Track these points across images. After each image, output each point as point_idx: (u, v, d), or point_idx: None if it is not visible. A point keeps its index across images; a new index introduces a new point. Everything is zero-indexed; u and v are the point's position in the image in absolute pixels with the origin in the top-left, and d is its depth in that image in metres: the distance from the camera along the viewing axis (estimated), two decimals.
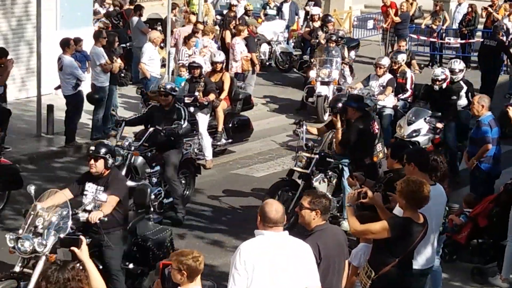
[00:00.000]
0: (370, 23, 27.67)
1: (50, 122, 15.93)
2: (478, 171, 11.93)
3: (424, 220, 7.51)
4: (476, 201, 11.04)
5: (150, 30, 19.68)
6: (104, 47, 16.15)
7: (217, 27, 22.25)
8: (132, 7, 21.76)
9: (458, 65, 15.35)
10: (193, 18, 20.34)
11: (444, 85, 14.54)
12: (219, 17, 24.19)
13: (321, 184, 11.79)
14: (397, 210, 7.85)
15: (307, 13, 25.85)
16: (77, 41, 15.84)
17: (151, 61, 17.09)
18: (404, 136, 13.92)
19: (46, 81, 16.24)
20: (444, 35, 25.09)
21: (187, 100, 14.42)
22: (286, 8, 25.02)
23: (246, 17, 22.54)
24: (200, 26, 18.74)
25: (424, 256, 8.11)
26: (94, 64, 15.87)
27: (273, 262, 6.38)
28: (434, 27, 24.73)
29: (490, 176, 11.95)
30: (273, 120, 18.47)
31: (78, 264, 5.56)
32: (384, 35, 25.58)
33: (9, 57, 14.90)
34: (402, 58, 16.62)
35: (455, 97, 14.48)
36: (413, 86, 16.28)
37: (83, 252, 5.84)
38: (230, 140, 15.59)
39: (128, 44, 20.32)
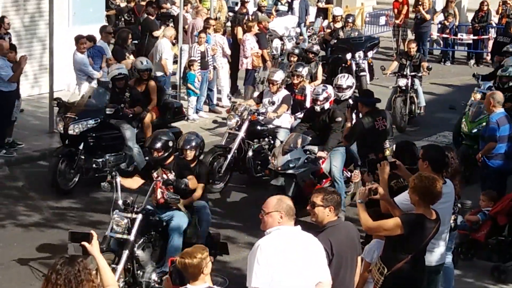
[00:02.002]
0: (382, 20, 27.65)
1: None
2: (486, 168, 11.92)
3: (436, 216, 7.51)
4: (497, 198, 11.00)
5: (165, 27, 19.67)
6: (117, 43, 16.18)
7: (228, 24, 22.23)
8: (143, 3, 21.77)
9: (346, 80, 13.23)
10: (200, 10, 20.26)
11: (327, 105, 12.47)
12: (231, 14, 24.17)
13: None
14: (398, 200, 7.85)
15: (319, 9, 25.86)
16: (90, 38, 15.89)
17: (170, 57, 17.15)
18: (278, 168, 11.94)
19: (58, 77, 16.29)
20: (456, 31, 25.01)
21: (108, 111, 13.29)
22: (296, 4, 25.01)
23: (260, 13, 22.52)
24: (212, 22, 18.74)
25: (436, 253, 8.11)
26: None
27: (289, 257, 6.39)
28: (447, 23, 24.65)
29: (501, 173, 11.91)
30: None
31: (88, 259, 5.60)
32: (394, 31, 25.54)
33: (22, 54, 14.96)
34: (305, 71, 14.96)
35: (340, 119, 12.28)
36: None
37: (94, 247, 5.86)
38: None
39: (139, 40, 20.31)
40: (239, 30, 19.67)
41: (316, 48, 17.98)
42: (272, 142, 13.87)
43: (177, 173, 9.88)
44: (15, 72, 14.44)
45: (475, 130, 13.89)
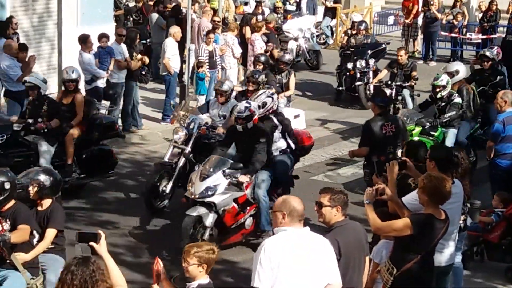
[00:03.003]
0: (391, 19, 27.61)
1: None
2: (494, 168, 11.90)
3: (445, 216, 7.48)
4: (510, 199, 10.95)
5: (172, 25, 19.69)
6: (125, 43, 16.19)
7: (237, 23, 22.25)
8: (151, 3, 21.81)
9: (262, 97, 11.91)
10: (206, 9, 20.27)
11: (251, 125, 11.17)
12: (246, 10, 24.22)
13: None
14: (406, 200, 7.84)
15: (327, 9, 25.83)
16: (100, 37, 15.89)
17: (173, 56, 17.13)
18: (196, 196, 10.68)
19: None
20: (465, 30, 24.96)
21: (15, 127, 12.19)
22: (304, 4, 24.99)
23: (274, 14, 22.55)
24: (217, 19, 18.74)
25: (445, 253, 8.10)
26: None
27: (296, 259, 6.35)
28: (455, 22, 24.61)
29: (510, 173, 11.88)
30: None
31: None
32: (404, 31, 25.50)
33: (31, 54, 15.00)
34: (261, 78, 13.86)
35: (264, 140, 11.14)
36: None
37: (102, 247, 5.86)
38: (83, 175, 12.88)
39: (148, 40, 20.36)
40: (247, 30, 19.68)
41: (288, 57, 16.98)
42: None
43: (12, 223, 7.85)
44: (24, 72, 14.48)
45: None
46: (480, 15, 25.35)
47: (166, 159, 12.50)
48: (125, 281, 5.93)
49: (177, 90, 17.74)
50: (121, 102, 16.19)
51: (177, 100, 17.94)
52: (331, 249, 6.60)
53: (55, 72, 16.49)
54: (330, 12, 25.76)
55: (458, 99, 13.84)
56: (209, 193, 10.66)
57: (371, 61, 19.07)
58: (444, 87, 13.80)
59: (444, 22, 24.94)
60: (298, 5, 25.24)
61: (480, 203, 11.29)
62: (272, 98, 11.87)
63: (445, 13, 25.27)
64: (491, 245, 10.75)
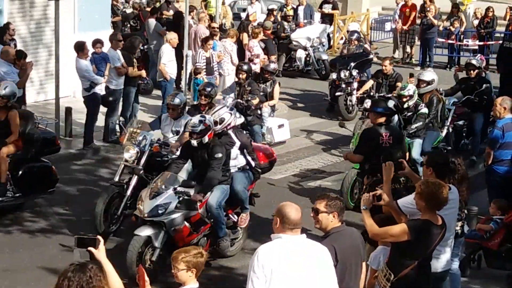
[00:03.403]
0: (388, 25, 27.65)
1: (68, 124, 16.00)
2: (491, 174, 11.91)
3: (442, 222, 7.49)
4: (508, 206, 10.92)
5: (167, 32, 19.74)
6: (127, 50, 16.20)
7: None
8: (149, 9, 21.84)
9: (221, 112, 11.20)
10: (203, 16, 20.27)
11: (206, 139, 10.57)
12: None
13: None
14: (401, 203, 7.85)
15: (324, 15, 25.84)
16: (95, 42, 15.88)
17: (170, 62, 17.13)
18: (145, 215, 10.11)
19: (64, 83, 16.32)
20: (462, 37, 25.01)
21: None
22: (301, 10, 25.02)
23: (285, 23, 22.51)
24: (214, 25, 18.76)
25: (442, 259, 8.11)
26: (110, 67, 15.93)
27: (292, 266, 6.35)
28: (452, 29, 24.65)
29: (507, 179, 11.88)
30: (291, 122, 18.47)
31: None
32: (401, 37, 25.53)
33: (28, 60, 15.00)
34: (214, 91, 13.31)
35: (220, 155, 10.59)
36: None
37: (100, 252, 5.86)
38: (18, 194, 12.11)
39: (145, 46, 20.37)
40: (244, 36, 19.71)
41: (273, 66, 16.61)
42: None
43: None
44: (21, 78, 14.48)
45: None
46: (477, 21, 25.40)
47: (116, 179, 11.67)
48: (123, 286, 5.92)
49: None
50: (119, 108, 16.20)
51: None
52: (328, 256, 6.59)
53: (52, 78, 16.49)
54: (328, 19, 25.79)
55: (424, 109, 13.56)
56: (159, 211, 10.08)
57: (354, 72, 18.48)
58: (411, 97, 13.45)
59: (441, 28, 25.01)
60: (295, 11, 25.25)
61: (478, 209, 11.29)
62: (231, 113, 11.34)
63: (441, 19, 25.33)
64: (491, 253, 10.71)
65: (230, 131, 11.26)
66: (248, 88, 15.24)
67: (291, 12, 23.46)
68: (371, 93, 16.62)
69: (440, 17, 25.21)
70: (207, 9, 23.52)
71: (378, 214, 7.95)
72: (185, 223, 10.32)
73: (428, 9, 24.20)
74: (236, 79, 15.87)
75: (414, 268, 7.40)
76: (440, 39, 24.88)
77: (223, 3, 24.27)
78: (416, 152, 13.36)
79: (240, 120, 14.27)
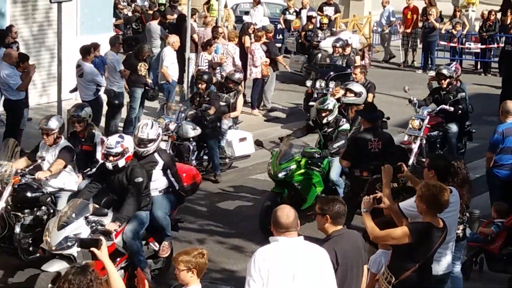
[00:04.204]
0: (390, 29, 27.60)
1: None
2: (492, 177, 11.91)
3: (443, 225, 7.50)
4: (509, 211, 10.91)
5: (169, 35, 19.76)
6: (134, 54, 16.22)
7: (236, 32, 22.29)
8: (151, 12, 21.87)
9: (150, 131, 10.09)
10: (209, 20, 20.30)
11: (122, 163, 9.57)
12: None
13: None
14: (402, 206, 7.86)
15: (309, 18, 25.79)
16: (96, 47, 15.90)
17: (172, 65, 17.15)
18: (53, 248, 9.06)
19: (66, 86, 16.30)
20: (464, 40, 25.03)
21: None
22: (304, 14, 25.03)
23: (319, 31, 22.12)
24: (220, 31, 18.79)
25: (442, 262, 8.12)
26: (113, 70, 15.93)
27: (288, 268, 6.39)
28: (454, 32, 24.67)
29: (508, 183, 11.88)
30: (291, 125, 18.47)
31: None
32: (403, 40, 25.57)
33: (30, 63, 15.02)
34: (84, 112, 11.58)
35: (140, 180, 9.57)
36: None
37: (103, 253, 5.88)
38: None
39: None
40: (246, 39, 19.73)
41: (237, 75, 15.50)
42: (52, 211, 10.33)
43: None
44: (24, 81, 14.51)
45: (282, 174, 11.98)
46: (479, 23, 25.41)
47: None
48: (124, 287, 5.94)
49: (177, 98, 17.77)
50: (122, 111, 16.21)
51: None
52: (327, 257, 6.61)
53: (55, 81, 16.49)
54: (332, 22, 25.78)
55: (346, 125, 12.44)
56: (68, 244, 9.02)
57: (331, 84, 17.39)
58: (330, 111, 12.38)
59: (443, 31, 25.02)
60: (299, 15, 25.27)
61: (479, 212, 11.30)
62: (159, 134, 10.30)
63: (443, 22, 25.34)
64: (492, 256, 10.71)
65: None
66: (207, 99, 14.52)
67: (325, 21, 22.78)
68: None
69: (441, 20, 25.23)
70: (209, 12, 23.54)
71: (379, 217, 7.96)
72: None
73: (429, 12, 24.20)
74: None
75: (415, 271, 7.41)
76: (442, 42, 24.89)
77: (226, 6, 24.28)
78: (335, 173, 12.35)
79: (196, 132, 14.14)
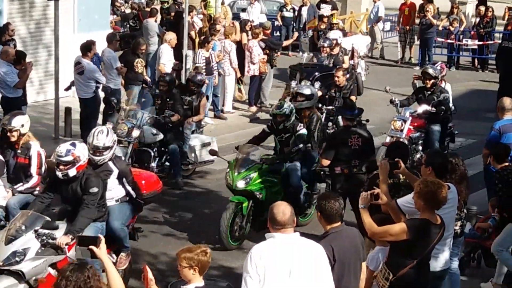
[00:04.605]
0: (388, 25, 27.65)
1: (68, 124, 16.02)
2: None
3: (441, 221, 7.51)
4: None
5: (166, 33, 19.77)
6: (131, 49, 16.23)
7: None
8: (148, 9, 21.87)
9: (105, 139, 9.59)
10: (217, 17, 20.30)
11: (73, 172, 9.07)
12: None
13: None
14: (400, 203, 7.88)
15: (320, 17, 25.83)
16: (95, 44, 15.87)
17: (169, 62, 17.15)
18: (0, 264, 8.48)
19: (64, 84, 16.31)
20: (461, 36, 25.04)
21: None
22: (304, 11, 25.03)
23: (331, 32, 21.01)
24: (218, 28, 18.80)
25: (440, 258, 8.13)
26: (110, 67, 15.92)
27: (284, 264, 6.40)
28: (452, 28, 24.68)
29: None
30: None
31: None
32: (401, 37, 25.59)
33: (28, 60, 15.01)
34: (17, 122, 10.35)
35: (95, 190, 9.09)
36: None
37: (101, 251, 5.89)
38: None
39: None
40: (243, 36, 19.73)
41: (199, 77, 14.87)
42: None
43: None
44: (21, 78, 14.49)
45: (241, 183, 11.45)
46: (476, 20, 25.43)
47: None
48: (123, 286, 5.94)
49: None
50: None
51: None
52: (323, 253, 6.63)
53: (52, 79, 16.50)
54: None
55: (303, 130, 11.86)
56: (17, 259, 8.52)
57: (316, 84, 16.73)
58: (287, 116, 11.84)
59: (440, 28, 25.03)
60: (299, 12, 25.25)
61: (477, 208, 11.30)
62: (115, 141, 9.83)
63: (441, 19, 25.34)
64: (489, 252, 10.72)
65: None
66: (170, 102, 13.94)
67: (335, 21, 22.20)
68: (319, 105, 14.75)
69: (439, 16, 25.25)
70: (207, 9, 23.53)
71: (376, 213, 7.97)
72: (50, 270, 8.70)
73: (427, 9, 24.21)
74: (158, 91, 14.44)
75: (413, 268, 7.41)
76: (439, 39, 24.91)
77: (223, 3, 24.29)
78: (293, 179, 11.80)
79: (158, 137, 13.57)
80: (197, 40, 19.59)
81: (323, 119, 14.29)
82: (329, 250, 6.82)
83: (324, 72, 17.70)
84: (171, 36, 17.41)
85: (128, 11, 23.92)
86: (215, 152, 12.90)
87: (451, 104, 14.86)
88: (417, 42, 25.23)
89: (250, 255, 6.42)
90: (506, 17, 25.21)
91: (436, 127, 14.43)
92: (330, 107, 15.07)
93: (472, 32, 25.32)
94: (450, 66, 24.74)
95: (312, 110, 12.69)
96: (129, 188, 9.76)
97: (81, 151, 9.12)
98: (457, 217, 8.75)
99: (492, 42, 24.65)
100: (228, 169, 11.69)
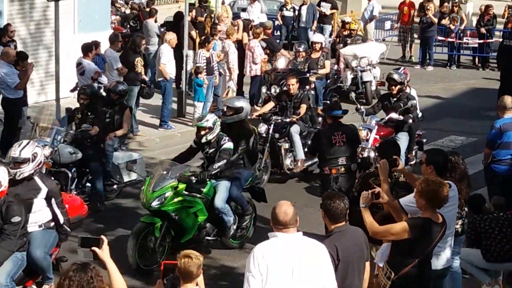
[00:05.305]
0: (388, 24, 27.64)
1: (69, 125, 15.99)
2: (490, 173, 11.92)
3: (442, 220, 7.51)
4: (506, 205, 10.88)
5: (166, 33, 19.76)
6: (131, 48, 16.24)
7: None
8: (148, 9, 21.87)
9: (22, 151, 8.77)
10: (220, 15, 20.28)
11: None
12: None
13: None
14: (403, 203, 7.88)
15: (324, 15, 25.79)
16: (97, 45, 15.91)
17: (169, 62, 17.15)
18: None
19: (64, 84, 16.31)
20: (462, 35, 25.03)
21: None
22: (304, 10, 25.00)
23: (348, 40, 20.68)
24: (219, 28, 18.81)
25: (442, 257, 8.12)
26: (111, 68, 15.93)
27: (287, 264, 6.40)
28: (452, 27, 24.67)
29: (506, 178, 11.86)
30: None
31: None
32: (400, 35, 25.60)
33: (28, 61, 15.02)
34: None
35: (18, 219, 8.19)
36: None
37: (104, 252, 5.88)
38: None
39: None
40: (244, 36, 19.73)
41: (122, 87, 13.59)
42: None
43: None
44: (22, 79, 14.50)
45: (155, 203, 10.45)
46: (476, 18, 25.44)
47: None
48: (126, 286, 5.94)
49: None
50: None
51: (175, 106, 18.00)
52: (326, 253, 6.62)
53: (53, 80, 16.50)
54: (330, 18, 25.78)
55: (228, 144, 10.93)
56: None
57: (273, 89, 16.45)
58: (210, 129, 10.91)
59: (443, 22, 24.83)
60: (299, 12, 25.23)
61: None
62: (41, 148, 9.14)
63: (443, 6, 25.12)
64: None
65: (34, 175, 8.83)
66: (91, 116, 12.79)
67: (354, 27, 21.55)
68: (267, 115, 14.22)
69: (439, 15, 25.22)
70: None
71: (376, 212, 7.98)
72: None
73: (427, 7, 24.21)
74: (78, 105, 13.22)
75: (415, 266, 7.42)
76: (440, 38, 24.90)
77: (223, 3, 24.26)
78: (220, 199, 10.86)
79: (76, 156, 12.34)
80: (197, 40, 19.57)
81: (270, 131, 13.86)
82: (333, 250, 6.83)
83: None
84: (171, 36, 17.41)
85: (128, 11, 23.91)
86: (131, 167, 11.78)
87: (418, 111, 14.25)
88: (417, 40, 25.22)
89: (253, 254, 6.42)
90: (506, 15, 25.19)
91: (404, 136, 13.74)
92: (279, 118, 14.12)
93: (469, 31, 25.30)
94: (451, 65, 24.76)
95: (243, 124, 11.74)
96: (57, 211, 8.85)
97: (1, 175, 8.16)
98: (458, 215, 8.75)
99: (492, 40, 24.63)
100: (143, 187, 10.70)
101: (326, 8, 25.57)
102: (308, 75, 17.28)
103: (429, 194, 7.38)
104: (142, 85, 16.21)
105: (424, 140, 15.04)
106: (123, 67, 15.89)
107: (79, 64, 15.37)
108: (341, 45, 20.72)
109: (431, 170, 8.21)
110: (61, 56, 16.00)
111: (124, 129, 13.40)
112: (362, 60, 19.36)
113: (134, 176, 13.22)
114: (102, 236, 5.91)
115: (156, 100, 17.96)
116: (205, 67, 17.22)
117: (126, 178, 13.19)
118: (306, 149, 13.83)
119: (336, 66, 18.98)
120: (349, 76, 19.53)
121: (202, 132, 10.94)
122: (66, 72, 16.60)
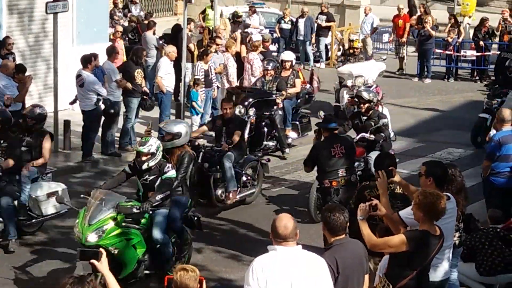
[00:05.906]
0: (386, 37, 27.73)
1: (67, 137, 16.04)
2: (489, 185, 11.92)
3: (440, 232, 7.51)
4: (503, 218, 10.89)
5: (165, 45, 19.80)
6: (132, 60, 16.28)
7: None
8: (146, 22, 21.93)
9: None
10: (217, 28, 20.37)
11: None
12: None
13: None
14: (402, 215, 7.88)
15: (320, 27, 25.85)
16: (96, 56, 15.93)
17: (167, 75, 17.17)
18: None
19: (63, 97, 16.36)
20: (459, 47, 25.10)
21: None
22: (301, 23, 25.08)
23: (351, 58, 20.24)
24: (219, 41, 18.85)
25: (440, 269, 8.12)
26: (110, 80, 15.95)
27: (286, 277, 6.39)
28: (450, 40, 24.73)
29: (504, 191, 11.88)
30: None
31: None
32: (396, 48, 25.68)
33: (27, 74, 15.04)
34: None
35: None
36: None
37: (103, 265, 5.89)
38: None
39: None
40: (242, 49, 19.77)
41: (39, 110, 12.07)
42: None
43: None
44: (21, 92, 14.51)
45: (92, 237, 9.67)
46: (472, 31, 25.52)
47: None
48: None
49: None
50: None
51: (173, 118, 18.00)
52: (325, 266, 6.62)
53: (51, 92, 16.53)
54: (327, 31, 25.86)
55: (171, 173, 10.25)
56: None
57: (251, 111, 15.64)
58: (153, 155, 10.19)
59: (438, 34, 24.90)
60: (296, 23, 25.31)
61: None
62: None
63: (439, 30, 25.35)
64: None
65: None
66: (4, 145, 11.63)
67: (357, 45, 20.73)
68: (198, 143, 13.49)
69: (437, 28, 25.30)
70: (205, 22, 23.59)
71: (374, 224, 7.99)
72: None
73: (425, 20, 24.27)
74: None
75: (413, 278, 7.41)
76: (437, 50, 24.96)
77: (221, 16, 24.34)
78: (158, 231, 10.05)
79: None
80: (196, 52, 19.61)
81: (199, 159, 12.91)
82: (333, 262, 6.83)
83: (260, 98, 16.36)
84: (171, 49, 17.45)
85: (127, 24, 23.94)
86: (61, 198, 10.88)
87: (390, 130, 13.88)
88: (415, 53, 25.28)
89: (252, 267, 6.41)
90: (500, 28, 25.27)
91: (375, 155, 13.36)
92: (209, 146, 13.48)
93: (469, 46, 25.36)
94: (448, 77, 24.80)
95: (182, 149, 11.04)
96: None
97: None
98: (455, 228, 8.74)
99: (490, 53, 24.69)
100: (78, 220, 9.89)
101: (322, 20, 25.66)
102: (274, 96, 16.54)
103: (427, 206, 7.38)
104: (144, 97, 16.22)
105: (397, 160, 14.68)
106: (122, 79, 15.91)
107: (78, 76, 15.38)
108: (341, 64, 20.58)
109: (431, 182, 8.21)
110: (59, 69, 16.05)
111: (45, 158, 11.90)
112: (357, 79, 18.40)
113: (56, 208, 11.98)
114: (101, 249, 5.92)
115: (155, 112, 18.01)
116: (203, 80, 17.25)
117: (50, 211, 11.98)
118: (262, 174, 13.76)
119: (308, 86, 18.21)
120: (345, 95, 18.61)
121: (144, 158, 10.13)
122: (65, 84, 16.62)
